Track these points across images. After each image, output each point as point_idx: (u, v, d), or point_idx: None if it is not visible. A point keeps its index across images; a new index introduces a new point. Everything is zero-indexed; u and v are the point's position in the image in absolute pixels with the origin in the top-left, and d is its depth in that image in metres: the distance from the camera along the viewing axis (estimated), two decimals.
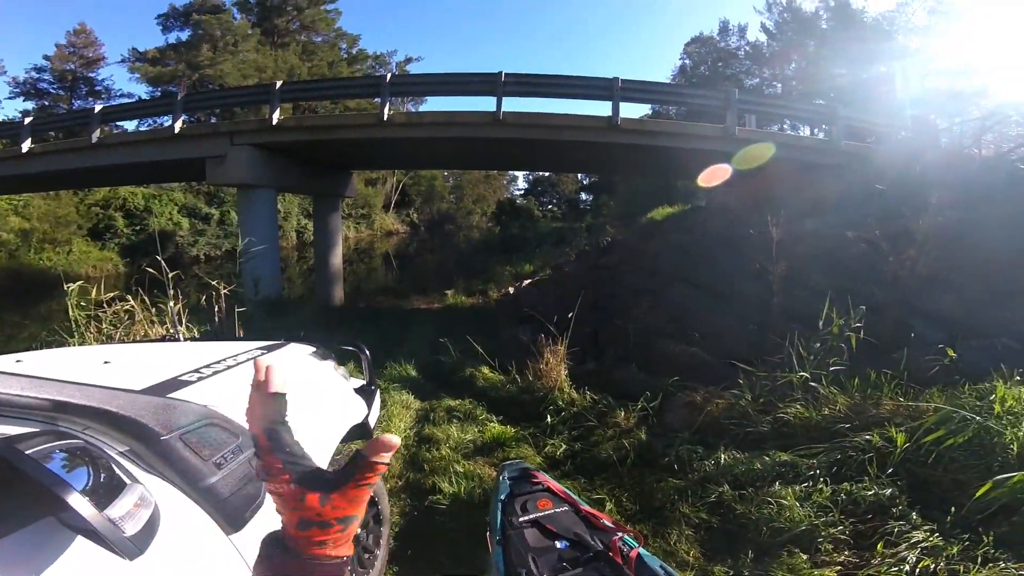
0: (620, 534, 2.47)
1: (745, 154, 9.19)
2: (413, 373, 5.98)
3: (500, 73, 10.15)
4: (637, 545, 2.43)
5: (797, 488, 2.98)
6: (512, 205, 54.47)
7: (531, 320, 5.61)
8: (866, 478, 2.89)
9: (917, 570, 2.34)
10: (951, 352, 3.46)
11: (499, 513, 2.70)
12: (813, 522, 2.71)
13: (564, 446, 4.09)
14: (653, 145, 10.52)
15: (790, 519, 2.76)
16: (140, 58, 35.28)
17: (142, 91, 34.96)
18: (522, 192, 61.27)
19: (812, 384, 3.90)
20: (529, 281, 13.06)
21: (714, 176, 9.38)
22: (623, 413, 4.35)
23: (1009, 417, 2.86)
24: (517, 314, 7.37)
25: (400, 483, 3.66)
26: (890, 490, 2.76)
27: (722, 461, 3.45)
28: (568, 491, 3.00)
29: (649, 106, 25.87)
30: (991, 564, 2.27)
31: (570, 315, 5.10)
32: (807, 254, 5.73)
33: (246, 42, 35.68)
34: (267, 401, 0.63)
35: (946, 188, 5.66)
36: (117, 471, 0.72)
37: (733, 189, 10.51)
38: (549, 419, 4.45)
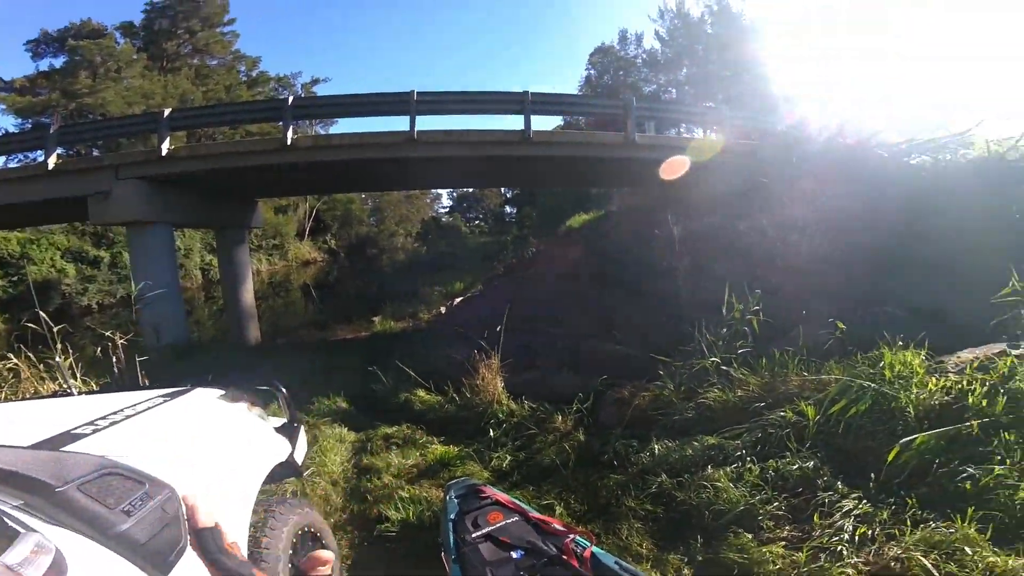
0: (572, 536, 2.49)
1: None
2: (344, 405, 5.71)
3: (412, 92, 10.11)
4: (590, 544, 2.46)
5: (728, 469, 3.15)
6: (437, 223, 54.00)
7: (464, 338, 5.57)
8: (788, 453, 3.11)
9: (856, 538, 2.51)
10: (840, 325, 3.86)
11: (451, 532, 2.64)
12: (750, 501, 2.86)
13: (509, 457, 4.07)
14: (563, 156, 10.92)
15: (728, 500, 2.91)
16: (5, 87, 31.34)
17: (9, 123, 30.98)
18: (447, 209, 61.04)
19: (724, 368, 4.19)
20: (460, 299, 12.98)
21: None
22: (560, 417, 4.43)
23: (900, 381, 3.21)
24: (450, 333, 7.30)
25: (344, 516, 3.50)
26: (812, 462, 2.98)
27: (656, 452, 3.59)
28: (517, 501, 3.00)
29: (560, 118, 26.81)
30: (922, 525, 2.44)
31: (499, 328, 5.13)
32: (709, 247, 6.22)
33: (131, 68, 32.71)
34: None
35: (818, 176, 6.40)
36: (9, 522, 0.73)
37: (639, 192, 11.13)
38: (492, 432, 4.42)
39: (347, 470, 4.17)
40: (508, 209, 55.96)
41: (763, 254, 5.54)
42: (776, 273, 5.14)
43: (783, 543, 2.62)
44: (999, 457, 2.58)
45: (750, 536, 2.69)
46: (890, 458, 2.71)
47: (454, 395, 5.19)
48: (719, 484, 3.01)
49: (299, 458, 2.11)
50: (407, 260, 39.70)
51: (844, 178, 6.85)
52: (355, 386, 6.28)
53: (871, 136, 8.56)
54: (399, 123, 9.86)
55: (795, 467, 2.96)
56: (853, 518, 2.59)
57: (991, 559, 2.16)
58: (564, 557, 2.30)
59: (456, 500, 2.91)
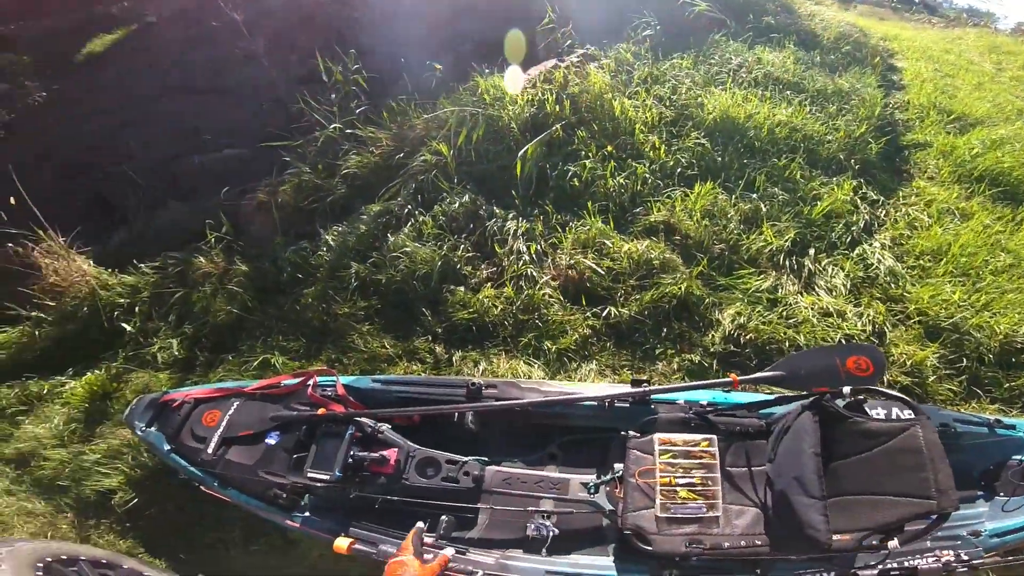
0: (311, 381, 2.30)
1: None
2: None
3: None
4: (336, 379, 2.33)
5: (406, 231, 3.34)
6: None
7: None
8: (444, 193, 3.45)
9: (533, 255, 3.07)
10: (438, 67, 4.02)
11: (183, 462, 2.20)
12: (443, 255, 3.15)
13: (172, 341, 3.28)
14: None
15: (423, 261, 3.15)
16: None
17: None
18: None
19: (351, 132, 3.98)
20: None
21: None
22: (203, 259, 3.60)
23: (497, 103, 3.71)
24: None
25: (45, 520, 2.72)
26: (467, 195, 3.39)
27: (331, 242, 3.46)
28: (221, 385, 2.54)
29: None
30: (569, 228, 3.13)
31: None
32: (286, 24, 5.17)
33: None
34: None
35: None
36: None
37: None
38: (128, 327, 3.35)
39: None
40: None
41: (346, 20, 4.87)
42: (367, 33, 4.70)
43: (488, 283, 3.12)
44: (584, 152, 3.48)
45: (462, 289, 3.09)
46: (518, 172, 3.36)
47: (28, 314, 3.48)
48: (408, 249, 3.21)
49: None
50: None
51: None
52: None
53: None
54: None
55: (456, 205, 3.36)
56: (522, 239, 3.19)
57: (626, 247, 3.05)
58: (321, 409, 2.16)
59: (153, 429, 2.33)
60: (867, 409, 1.94)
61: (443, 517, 2.00)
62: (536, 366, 2.80)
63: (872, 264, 3.09)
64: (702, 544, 1.76)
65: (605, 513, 1.99)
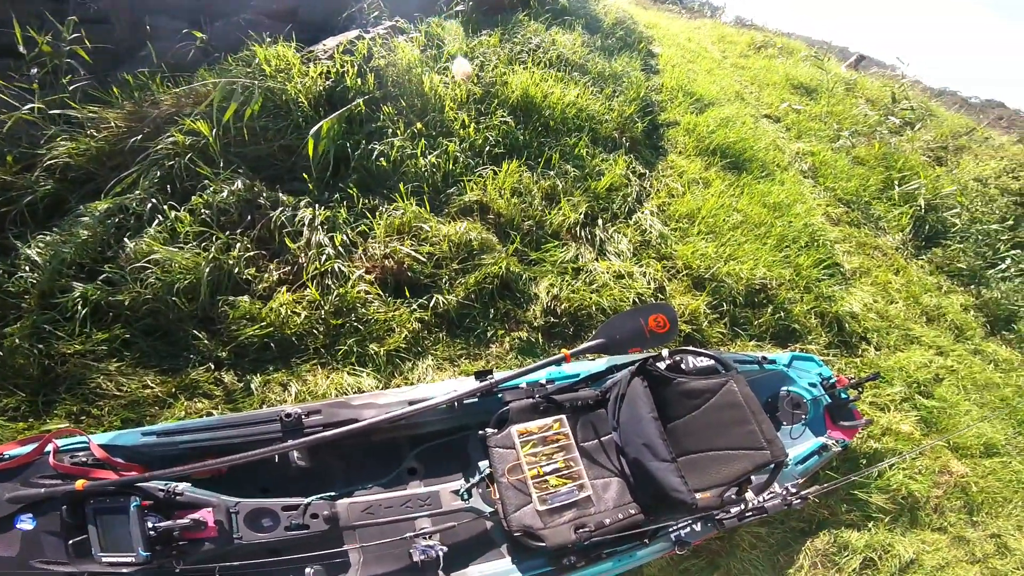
0: (51, 446, 1.72)
1: None
2: None
3: None
4: (87, 440, 1.82)
5: (153, 231, 2.58)
6: None
7: None
8: (205, 180, 2.74)
9: (339, 248, 2.64)
10: (199, 34, 3.11)
11: None
12: (212, 260, 2.53)
13: None
14: None
15: (185, 269, 2.49)
16: None
17: None
18: None
19: (59, 113, 2.86)
20: None
21: None
22: None
23: (281, 74, 3.06)
24: None
25: None
26: (239, 182, 2.75)
27: (35, 258, 2.48)
28: None
29: None
30: (379, 213, 2.77)
31: None
32: None
33: None
34: None
35: None
36: None
37: None
38: None
39: None
40: None
41: None
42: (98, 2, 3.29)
43: (283, 287, 2.61)
44: (392, 130, 3.10)
45: (246, 299, 2.52)
46: (311, 152, 2.85)
47: None
48: (158, 255, 2.49)
49: None
50: None
51: None
52: None
53: None
54: None
55: (226, 194, 2.70)
56: (321, 228, 2.73)
57: (444, 229, 2.84)
58: (80, 481, 1.63)
59: None
60: (683, 368, 2.17)
61: (307, 570, 1.73)
62: (364, 375, 2.50)
63: (646, 230, 3.58)
64: (587, 527, 1.81)
65: (486, 516, 1.92)
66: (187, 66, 3.16)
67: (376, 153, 3.05)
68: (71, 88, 2.90)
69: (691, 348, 2.22)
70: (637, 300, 3.12)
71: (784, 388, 2.52)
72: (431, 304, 2.74)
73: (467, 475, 2.04)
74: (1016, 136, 7.29)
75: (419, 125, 3.24)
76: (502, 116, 3.54)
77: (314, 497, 1.84)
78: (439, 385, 2.29)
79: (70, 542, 1.64)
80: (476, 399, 2.07)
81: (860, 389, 2.69)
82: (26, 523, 1.66)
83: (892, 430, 3.12)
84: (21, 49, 2.93)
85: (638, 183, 3.89)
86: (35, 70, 2.91)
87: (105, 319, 2.42)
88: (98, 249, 2.58)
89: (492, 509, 1.92)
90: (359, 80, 3.20)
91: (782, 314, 3.48)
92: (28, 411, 2.25)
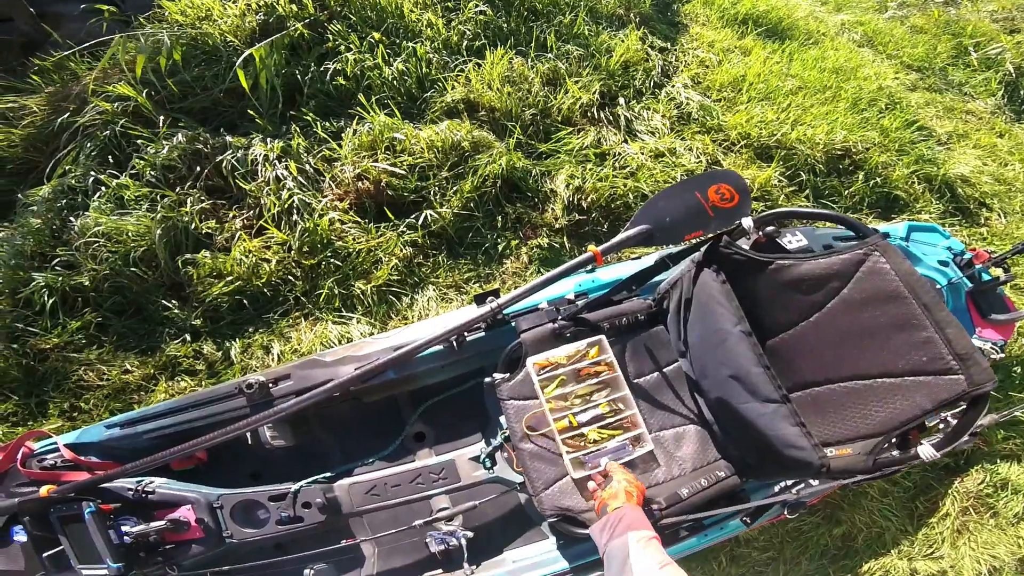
0: (17, 454, 1.51)
1: None
2: None
3: None
4: (56, 441, 1.55)
5: (99, 204, 2.22)
6: None
7: None
8: (145, 143, 2.36)
9: (301, 180, 2.23)
10: (104, 7, 2.74)
11: None
12: (164, 220, 2.16)
13: None
14: None
15: (138, 235, 2.14)
16: None
17: None
18: None
19: None
20: None
21: None
22: None
23: (201, 20, 2.62)
24: None
25: None
26: (180, 135, 2.34)
27: None
28: None
29: None
30: (344, 136, 2.35)
31: None
32: None
33: None
34: None
35: None
36: None
37: None
38: None
39: None
40: None
41: None
42: None
43: (244, 234, 2.18)
44: (344, 47, 2.60)
45: (207, 255, 2.13)
46: (244, 83, 2.39)
47: None
48: (105, 226, 2.12)
49: None
50: None
51: None
52: None
53: None
54: None
55: (167, 150, 2.28)
56: (277, 163, 2.27)
57: (424, 134, 2.34)
58: (46, 487, 1.41)
59: None
60: (784, 244, 1.47)
61: (306, 572, 1.45)
62: (354, 322, 2.00)
63: (682, 103, 2.89)
64: (654, 501, 1.18)
65: (516, 487, 1.41)
66: (107, 41, 2.80)
67: (330, 73, 2.53)
68: None
69: (792, 209, 1.47)
70: (689, 176, 2.43)
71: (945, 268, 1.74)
72: (421, 222, 2.18)
73: (487, 436, 1.53)
74: None
75: (376, 35, 2.69)
76: (476, 5, 2.93)
77: (303, 482, 1.45)
78: (433, 321, 1.75)
79: (44, 555, 1.44)
80: (482, 331, 1.52)
81: (1006, 267, 1.80)
82: (20, 535, 1.49)
83: None
84: None
85: (660, 57, 3.18)
86: None
87: (75, 306, 2.19)
88: (49, 235, 2.29)
89: (523, 479, 1.33)
90: (293, 5, 2.69)
91: (877, 180, 2.79)
92: (25, 414, 2.12)
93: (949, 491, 2.05)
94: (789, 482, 1.30)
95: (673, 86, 3.00)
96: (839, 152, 2.83)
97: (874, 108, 3.21)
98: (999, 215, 2.97)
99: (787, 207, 1.47)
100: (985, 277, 1.74)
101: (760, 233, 1.37)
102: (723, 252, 1.33)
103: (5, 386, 2.12)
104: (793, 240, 1.53)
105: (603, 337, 1.39)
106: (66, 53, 2.77)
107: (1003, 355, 1.64)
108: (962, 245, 1.83)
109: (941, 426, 1.13)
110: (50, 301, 2.13)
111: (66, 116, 2.54)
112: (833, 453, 1.08)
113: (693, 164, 2.55)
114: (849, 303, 1.20)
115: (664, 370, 1.45)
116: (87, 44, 2.76)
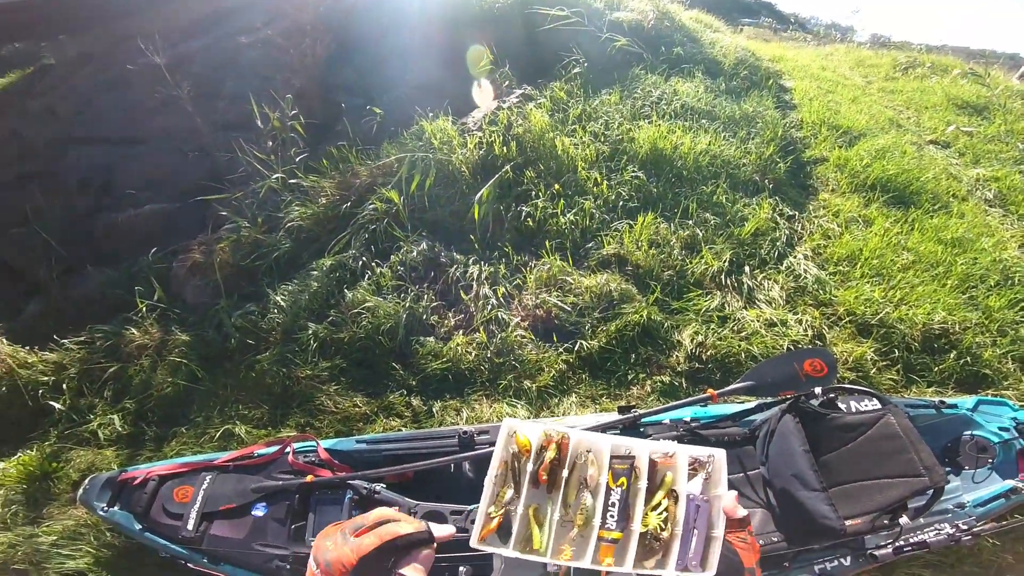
0: (287, 449, 2.22)
1: None
2: None
3: None
4: (316, 444, 2.23)
5: (365, 284, 3.26)
6: None
7: None
8: (400, 242, 3.40)
9: (500, 299, 3.05)
10: (378, 110, 3.99)
11: (162, 540, 2.04)
12: (408, 309, 3.10)
13: (113, 416, 2.96)
14: None
15: (388, 315, 3.08)
16: None
17: None
18: None
19: (292, 181, 3.86)
20: None
21: None
22: (134, 331, 3.31)
23: (445, 147, 3.73)
24: None
25: None
26: (423, 243, 3.38)
27: (281, 303, 3.29)
28: (185, 459, 2.37)
29: None
30: (529, 268, 3.19)
31: None
32: (209, 69, 4.91)
33: None
34: None
35: None
36: None
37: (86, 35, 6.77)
38: (57, 404, 3.00)
39: None
40: None
41: (275, 64, 4.69)
42: (298, 77, 4.55)
43: (460, 331, 3.11)
44: (535, 192, 3.57)
45: (432, 340, 3.06)
46: (476, 215, 3.40)
47: None
48: (369, 304, 3.14)
49: None
50: None
51: None
52: None
53: None
54: None
55: (415, 254, 3.34)
56: (486, 283, 3.21)
57: (586, 282, 3.18)
58: (309, 476, 2.07)
59: (116, 508, 2.13)
60: (839, 405, 2.16)
61: (461, 569, 1.94)
62: (519, 406, 2.84)
63: (800, 275, 3.43)
64: None
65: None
66: (374, 138, 3.98)
67: (524, 214, 3.50)
68: (297, 159, 3.85)
69: (846, 385, 2.15)
70: (792, 348, 3.02)
71: (967, 432, 2.28)
72: (575, 348, 3.01)
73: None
74: None
75: (557, 186, 3.62)
76: (632, 171, 3.76)
77: (475, 505, 2.01)
78: (586, 418, 2.46)
79: (292, 526, 1.98)
80: (619, 431, 2.17)
81: None
82: (259, 511, 2.05)
83: None
84: (259, 123, 3.90)
85: (787, 226, 3.76)
86: (270, 143, 3.91)
87: (329, 352, 3.08)
88: (324, 297, 3.32)
89: None
90: (504, 148, 3.71)
91: (968, 359, 3.08)
92: (268, 421, 2.89)
93: None
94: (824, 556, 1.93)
95: (795, 256, 3.55)
96: (936, 332, 3.16)
97: (984, 285, 3.47)
98: None
99: (845, 384, 2.09)
100: None
101: (825, 397, 2.13)
102: (800, 406, 2.09)
103: (263, 397, 2.94)
104: (854, 405, 2.18)
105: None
106: (347, 144, 3.85)
107: None
108: None
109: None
110: (314, 344, 3.07)
111: (348, 205, 3.69)
112: (850, 523, 1.76)
113: (799, 335, 3.10)
114: (869, 439, 1.96)
115: (748, 473, 2.14)
116: (363, 146, 3.93)
